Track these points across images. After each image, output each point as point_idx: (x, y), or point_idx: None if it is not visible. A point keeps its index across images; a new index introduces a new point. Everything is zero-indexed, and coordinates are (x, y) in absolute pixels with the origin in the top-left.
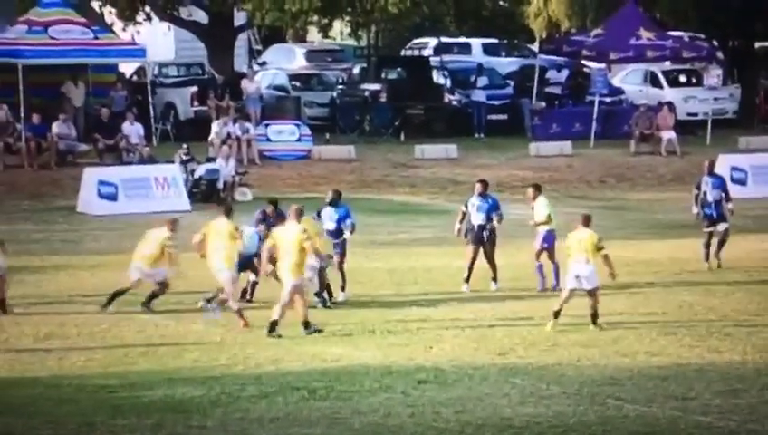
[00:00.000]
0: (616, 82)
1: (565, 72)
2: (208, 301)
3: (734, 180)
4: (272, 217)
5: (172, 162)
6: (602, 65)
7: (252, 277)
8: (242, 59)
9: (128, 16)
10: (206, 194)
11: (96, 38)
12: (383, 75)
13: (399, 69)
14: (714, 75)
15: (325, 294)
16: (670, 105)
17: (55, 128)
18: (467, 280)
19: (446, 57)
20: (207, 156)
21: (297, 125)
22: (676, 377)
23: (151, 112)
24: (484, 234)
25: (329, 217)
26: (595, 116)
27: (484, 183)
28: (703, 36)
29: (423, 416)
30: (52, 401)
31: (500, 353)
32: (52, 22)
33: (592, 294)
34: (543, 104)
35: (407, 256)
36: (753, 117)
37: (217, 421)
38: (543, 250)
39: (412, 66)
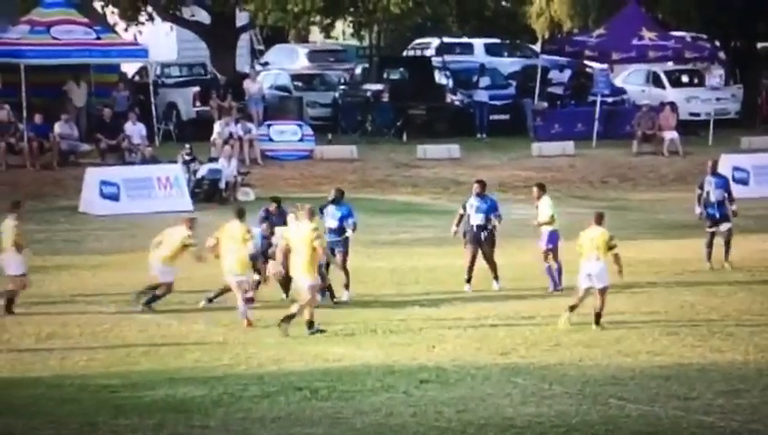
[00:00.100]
0: (618, 82)
1: (567, 73)
2: (210, 300)
3: (736, 180)
4: (274, 215)
5: (174, 162)
6: (604, 65)
7: (255, 277)
8: (244, 59)
9: (130, 16)
10: (209, 194)
11: (98, 38)
12: (385, 75)
13: (402, 69)
14: (716, 75)
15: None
16: (672, 105)
17: (57, 128)
18: (469, 280)
19: (449, 57)
20: (210, 156)
21: (299, 125)
22: (678, 377)
23: (153, 112)
24: (482, 234)
25: (331, 216)
26: (597, 116)
27: (482, 183)
28: (705, 37)
29: (425, 416)
30: (54, 401)
31: (502, 353)
32: (54, 22)
33: (601, 292)
34: (546, 104)
35: (409, 255)
36: (756, 117)
37: (219, 421)
38: (550, 251)
39: (414, 66)
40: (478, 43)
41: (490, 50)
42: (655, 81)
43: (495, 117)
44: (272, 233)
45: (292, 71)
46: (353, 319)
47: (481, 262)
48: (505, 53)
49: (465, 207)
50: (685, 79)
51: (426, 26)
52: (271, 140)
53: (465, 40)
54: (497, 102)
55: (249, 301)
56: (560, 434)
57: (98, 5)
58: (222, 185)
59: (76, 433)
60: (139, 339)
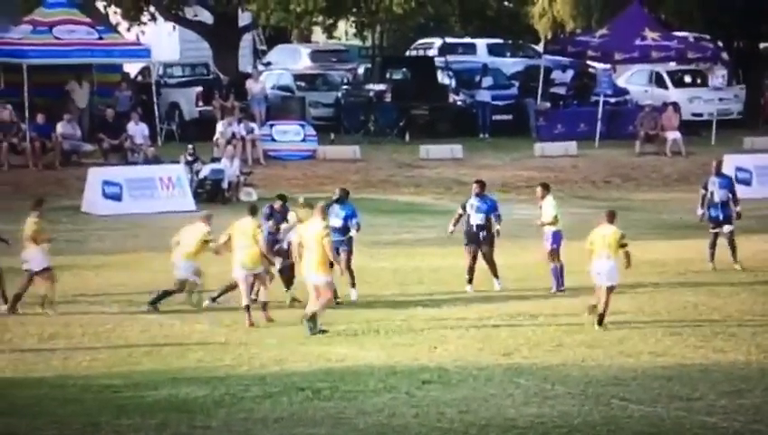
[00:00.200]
0: (621, 82)
1: (570, 73)
2: (213, 299)
3: (738, 181)
4: (279, 213)
5: (177, 162)
6: (607, 66)
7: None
8: (247, 59)
9: (132, 16)
10: (211, 194)
11: (101, 38)
12: (388, 75)
13: (404, 69)
14: (719, 76)
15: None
16: (675, 106)
17: (60, 128)
18: (470, 281)
19: (451, 57)
20: (212, 156)
21: (302, 125)
22: (680, 377)
23: (156, 112)
24: (481, 234)
25: (335, 215)
26: (600, 116)
27: (482, 183)
28: (708, 37)
29: (427, 416)
30: (57, 401)
31: (504, 354)
32: (56, 22)
33: (608, 290)
34: (548, 105)
35: (411, 255)
36: (758, 117)
37: (221, 421)
38: (555, 250)
39: (417, 66)
40: (481, 43)
41: (493, 50)
42: (658, 81)
43: (498, 117)
44: (277, 230)
45: (295, 71)
46: (356, 319)
47: (482, 262)
48: (508, 54)
49: (464, 208)
50: (687, 79)
51: (428, 26)
52: (273, 140)
53: (467, 40)
54: (500, 103)
55: (249, 307)
56: (562, 434)
57: (100, 5)
58: (224, 185)
59: (79, 433)
60: (142, 339)
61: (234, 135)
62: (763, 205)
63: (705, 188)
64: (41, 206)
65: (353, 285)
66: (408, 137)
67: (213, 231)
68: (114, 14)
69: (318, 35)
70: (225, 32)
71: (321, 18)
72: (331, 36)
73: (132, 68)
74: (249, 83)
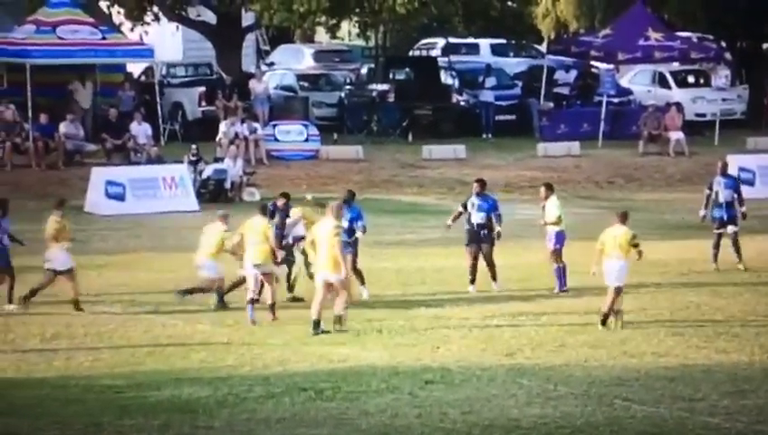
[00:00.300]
0: (624, 82)
1: (573, 73)
2: (221, 298)
3: (741, 181)
4: (282, 210)
5: (180, 162)
6: (610, 66)
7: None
8: (250, 59)
9: (136, 16)
10: (214, 194)
11: (104, 38)
12: (391, 76)
13: (407, 69)
14: (722, 76)
15: None
16: (678, 106)
17: (63, 128)
18: (473, 281)
19: (454, 57)
20: (215, 156)
21: (305, 125)
22: (683, 378)
23: (159, 112)
24: (482, 233)
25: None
26: (603, 116)
27: (482, 182)
28: (711, 37)
29: (430, 417)
30: (59, 402)
31: (507, 354)
32: (60, 22)
33: (616, 291)
34: (551, 105)
35: (414, 256)
36: (761, 118)
37: (224, 422)
38: (557, 251)
39: (420, 66)
40: (484, 43)
41: (496, 50)
42: (661, 81)
43: (501, 117)
44: (282, 225)
45: (298, 71)
46: (358, 319)
47: (482, 263)
48: (511, 54)
49: (465, 206)
50: (691, 79)
51: (431, 26)
52: (276, 140)
53: (470, 40)
54: (503, 103)
55: (254, 301)
56: None
57: (104, 5)
58: (227, 185)
59: (81, 434)
60: (144, 339)
61: (237, 135)
62: (766, 205)
63: (711, 188)
64: (63, 205)
65: (363, 283)
66: (411, 137)
67: (228, 230)
68: (117, 14)
69: (321, 35)
70: (228, 32)
71: (324, 18)
72: (334, 36)
73: (135, 68)
74: (252, 83)
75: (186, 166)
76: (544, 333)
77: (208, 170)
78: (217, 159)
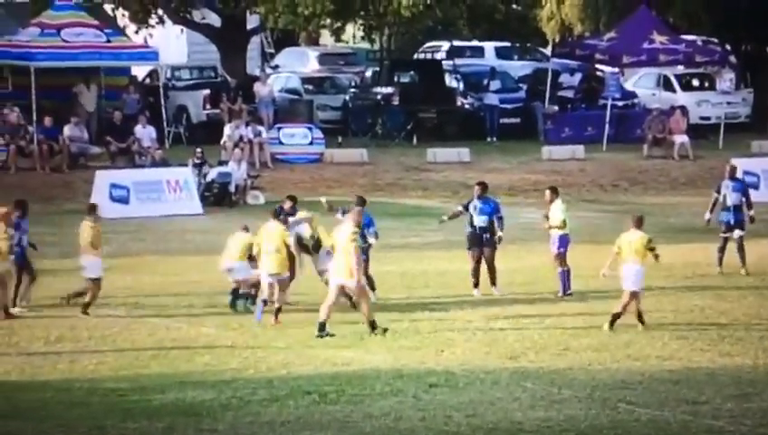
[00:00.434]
0: (629, 85)
1: (578, 76)
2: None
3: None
4: (288, 214)
5: (185, 165)
6: (615, 69)
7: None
8: (254, 62)
9: (140, 19)
10: (218, 197)
11: (108, 41)
12: (396, 79)
13: (412, 72)
14: (726, 79)
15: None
16: (683, 109)
17: (67, 130)
18: (476, 284)
19: (459, 60)
20: (219, 159)
21: (309, 128)
22: (687, 381)
23: (164, 115)
24: (485, 236)
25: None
26: (608, 120)
27: (484, 185)
28: (716, 40)
29: (434, 420)
30: (63, 405)
31: (511, 357)
32: (64, 24)
33: (633, 296)
34: (556, 108)
35: (419, 259)
36: (766, 121)
37: (228, 425)
38: (562, 254)
39: (425, 69)
40: (489, 46)
41: (501, 53)
42: (665, 84)
43: (506, 120)
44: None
45: (303, 74)
46: (362, 323)
47: (484, 266)
48: (516, 57)
49: (466, 208)
50: (695, 83)
51: (436, 29)
52: (281, 143)
53: (475, 43)
54: (508, 106)
55: (265, 302)
56: None
57: (108, 8)
58: (232, 188)
59: None
60: (149, 342)
61: (241, 138)
62: None
63: (719, 191)
64: (95, 211)
65: (373, 288)
66: (415, 140)
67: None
68: (122, 17)
69: (326, 38)
70: (232, 35)
71: (328, 21)
72: (338, 39)
73: (140, 71)
74: (257, 86)
75: (190, 169)
76: (548, 336)
77: (213, 173)
78: (222, 163)
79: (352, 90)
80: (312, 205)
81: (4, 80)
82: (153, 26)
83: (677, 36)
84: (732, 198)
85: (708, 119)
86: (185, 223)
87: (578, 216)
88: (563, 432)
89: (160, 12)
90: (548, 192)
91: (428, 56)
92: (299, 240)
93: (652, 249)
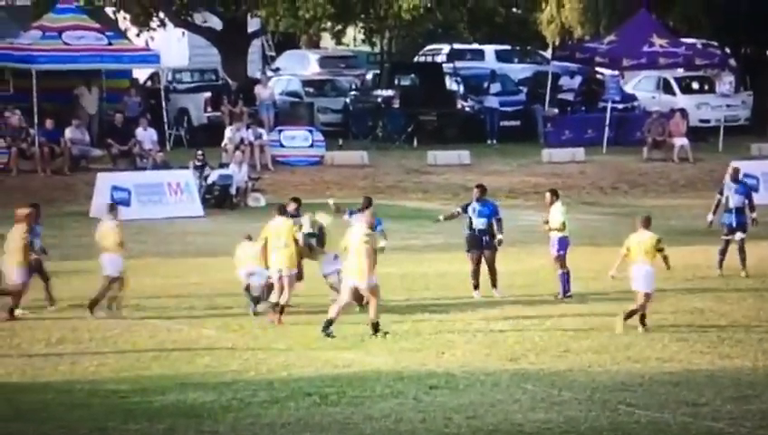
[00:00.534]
0: (629, 88)
1: (578, 79)
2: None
3: None
4: (293, 214)
5: (186, 168)
6: (615, 72)
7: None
8: (255, 65)
9: (142, 22)
10: (219, 200)
11: (110, 44)
12: (396, 81)
13: (412, 75)
14: (726, 82)
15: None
16: (683, 112)
17: (68, 133)
18: (476, 286)
19: (459, 63)
20: (221, 162)
21: (310, 131)
22: (687, 383)
23: (165, 118)
24: (484, 239)
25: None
26: (608, 122)
27: (482, 188)
28: (715, 43)
29: (434, 422)
30: (64, 406)
31: (511, 359)
32: (65, 27)
33: (645, 297)
34: (556, 111)
35: (419, 261)
36: (766, 124)
37: (229, 427)
38: (561, 257)
39: (425, 72)
40: (489, 49)
41: (501, 56)
42: (665, 87)
43: (506, 123)
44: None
45: (304, 76)
46: (363, 325)
47: (484, 267)
48: (516, 60)
49: (465, 210)
50: (695, 85)
51: (437, 32)
52: (282, 145)
53: (475, 46)
54: (508, 109)
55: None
56: None
57: (110, 11)
58: (233, 190)
59: None
60: (150, 344)
61: (242, 141)
62: None
63: (722, 193)
64: (115, 210)
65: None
66: (415, 143)
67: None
68: (123, 20)
69: (327, 41)
70: (234, 37)
71: (329, 24)
72: (339, 42)
73: (141, 74)
74: (258, 89)
75: (191, 171)
76: (548, 338)
77: (214, 176)
78: (223, 165)
79: (353, 92)
80: (315, 207)
81: (5, 82)
82: (154, 29)
83: (677, 39)
84: (734, 200)
85: (708, 122)
86: (186, 225)
87: (578, 218)
88: (563, 434)
89: (161, 15)
90: (548, 195)
91: (429, 59)
92: (308, 245)
93: (661, 250)
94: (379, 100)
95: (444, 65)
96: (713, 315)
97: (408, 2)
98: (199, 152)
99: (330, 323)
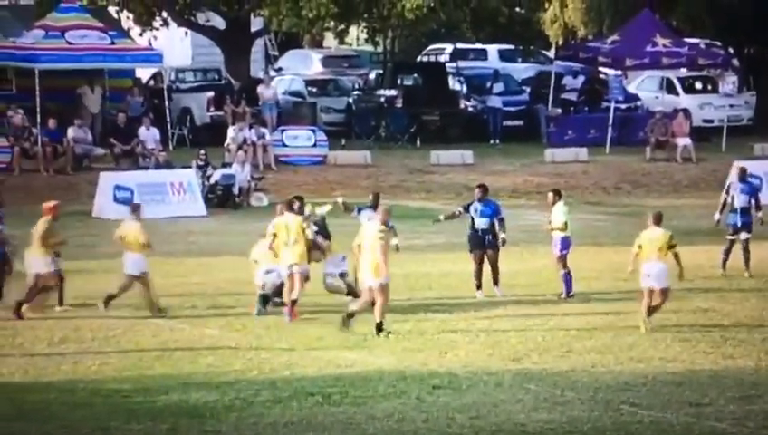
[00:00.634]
0: (632, 88)
1: (581, 79)
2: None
3: None
4: (297, 214)
5: (188, 167)
6: (618, 72)
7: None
8: (258, 64)
9: (145, 21)
10: (222, 199)
11: (113, 43)
12: (399, 81)
13: (415, 75)
14: (729, 82)
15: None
16: (686, 112)
17: (71, 132)
18: (479, 286)
19: (462, 63)
20: (223, 161)
21: (313, 130)
22: (690, 383)
23: (168, 117)
24: (487, 238)
25: (367, 219)
26: (611, 122)
27: (484, 188)
28: (719, 43)
29: (437, 421)
30: (67, 406)
31: (514, 359)
32: (68, 27)
33: (662, 293)
34: (559, 110)
35: (422, 261)
36: None
37: (232, 426)
38: (563, 257)
39: (428, 72)
40: (492, 48)
41: (504, 56)
42: (668, 87)
43: (509, 123)
44: None
45: (307, 76)
46: (366, 325)
47: (487, 267)
48: (519, 59)
49: (467, 210)
50: (698, 85)
51: (440, 32)
52: (284, 145)
53: (479, 46)
54: (511, 108)
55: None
56: None
57: (113, 10)
58: (235, 190)
59: None
60: (152, 343)
61: (245, 140)
62: None
63: (728, 192)
64: (138, 210)
65: None
66: (418, 142)
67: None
68: (126, 20)
69: (329, 41)
70: (236, 37)
71: (332, 24)
72: (342, 42)
73: (144, 73)
74: (260, 89)
75: (194, 171)
76: (551, 338)
77: (216, 175)
78: (225, 165)
79: (356, 92)
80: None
81: (8, 82)
82: (157, 29)
83: (680, 39)
84: (740, 199)
85: (711, 122)
86: (188, 225)
87: (581, 218)
88: (566, 434)
89: (164, 14)
90: (550, 194)
91: (432, 59)
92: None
93: (674, 246)
94: (382, 99)
95: (447, 65)
96: (716, 315)
97: (411, 1)
98: (202, 152)
99: (350, 315)
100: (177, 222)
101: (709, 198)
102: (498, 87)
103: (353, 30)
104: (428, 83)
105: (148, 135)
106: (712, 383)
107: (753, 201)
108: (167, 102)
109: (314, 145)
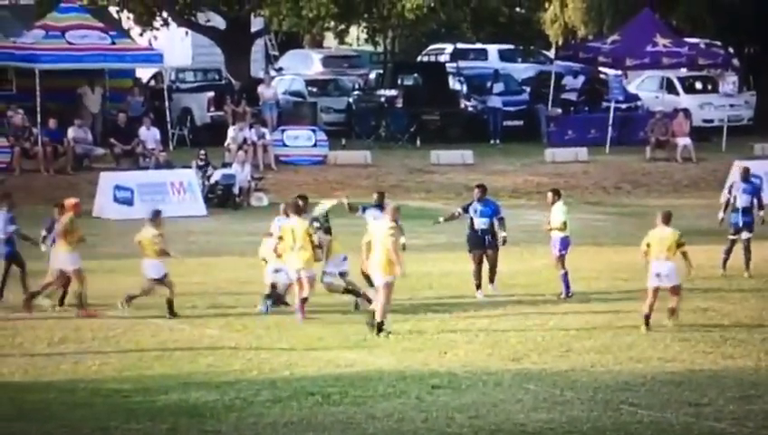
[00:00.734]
0: (632, 88)
1: (581, 79)
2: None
3: None
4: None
5: (188, 167)
6: (618, 72)
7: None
8: (259, 64)
9: (145, 21)
10: (222, 199)
11: (113, 43)
12: (399, 81)
13: (416, 75)
14: (729, 82)
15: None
16: (686, 112)
17: (72, 132)
18: (479, 286)
19: (463, 63)
20: (223, 161)
21: (313, 130)
22: (689, 383)
23: (168, 118)
24: (486, 238)
25: (373, 218)
26: (611, 122)
27: (483, 188)
28: (719, 43)
29: (436, 421)
30: (67, 406)
31: (514, 359)
32: (69, 27)
33: (674, 291)
34: (559, 110)
35: (422, 261)
36: None
37: (231, 426)
38: (562, 256)
39: (428, 72)
40: (492, 48)
41: (504, 56)
42: (668, 87)
43: (509, 123)
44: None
45: (307, 76)
46: (365, 324)
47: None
48: (519, 59)
49: (466, 210)
50: (698, 85)
51: (440, 32)
52: (285, 145)
53: (479, 46)
54: (511, 108)
55: (304, 301)
56: None
57: (113, 10)
58: (236, 190)
59: None
60: (152, 343)
61: (245, 140)
62: None
63: (730, 192)
64: (158, 217)
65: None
66: (419, 142)
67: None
68: (127, 20)
69: (330, 41)
70: (237, 37)
71: (333, 24)
72: (342, 42)
73: (144, 73)
74: (261, 89)
75: (194, 171)
76: (551, 338)
77: (216, 175)
78: (226, 165)
79: (356, 92)
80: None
81: (8, 82)
82: (158, 29)
83: (681, 39)
84: (742, 199)
85: (711, 121)
86: (189, 225)
87: (580, 218)
88: (566, 434)
89: (165, 14)
90: (550, 194)
91: (432, 59)
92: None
93: (682, 244)
94: (383, 99)
95: (447, 65)
96: (716, 315)
97: (412, 1)
98: (202, 152)
99: (379, 326)
100: (177, 222)
101: (709, 197)
102: (498, 87)
103: (353, 30)
104: (428, 83)
105: (149, 135)
106: (711, 383)
107: (755, 201)
108: (167, 102)
109: (314, 145)
